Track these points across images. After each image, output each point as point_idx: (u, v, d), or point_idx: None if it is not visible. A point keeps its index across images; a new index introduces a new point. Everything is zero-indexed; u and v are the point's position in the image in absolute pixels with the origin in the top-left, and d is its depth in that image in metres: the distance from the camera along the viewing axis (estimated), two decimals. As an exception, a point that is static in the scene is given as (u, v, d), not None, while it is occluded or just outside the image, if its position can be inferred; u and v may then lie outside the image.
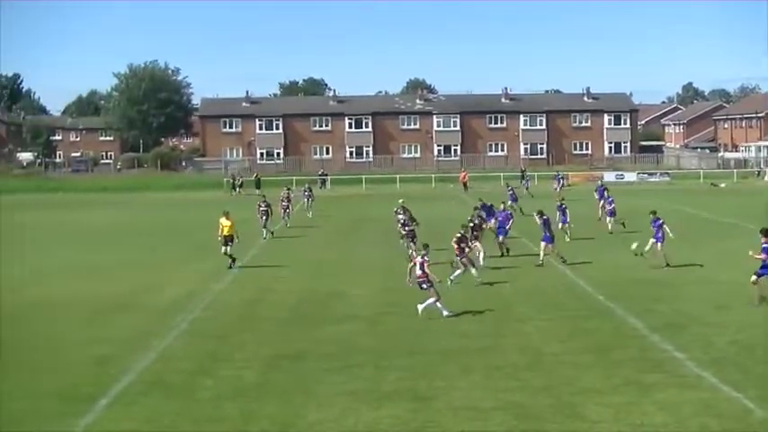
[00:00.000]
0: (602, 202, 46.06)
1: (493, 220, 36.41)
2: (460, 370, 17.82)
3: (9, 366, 18.94)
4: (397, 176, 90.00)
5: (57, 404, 16.16)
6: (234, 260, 32.49)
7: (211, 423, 15.01)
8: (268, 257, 35.62)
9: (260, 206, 43.14)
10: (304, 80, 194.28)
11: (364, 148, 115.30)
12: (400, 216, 36.49)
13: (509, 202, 43.66)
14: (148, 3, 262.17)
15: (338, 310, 24.41)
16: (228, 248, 32.60)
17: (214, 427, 14.87)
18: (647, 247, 30.89)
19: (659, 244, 30.39)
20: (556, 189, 65.38)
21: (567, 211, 38.76)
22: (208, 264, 33.37)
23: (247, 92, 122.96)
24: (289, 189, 52.36)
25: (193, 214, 57.73)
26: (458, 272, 27.49)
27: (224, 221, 33.04)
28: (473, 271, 27.72)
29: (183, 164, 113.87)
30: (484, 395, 16.13)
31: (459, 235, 28.05)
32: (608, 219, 42.12)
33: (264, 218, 42.55)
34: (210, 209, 50.88)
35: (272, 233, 42.37)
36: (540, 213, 32.34)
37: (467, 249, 27.94)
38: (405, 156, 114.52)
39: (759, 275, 22.91)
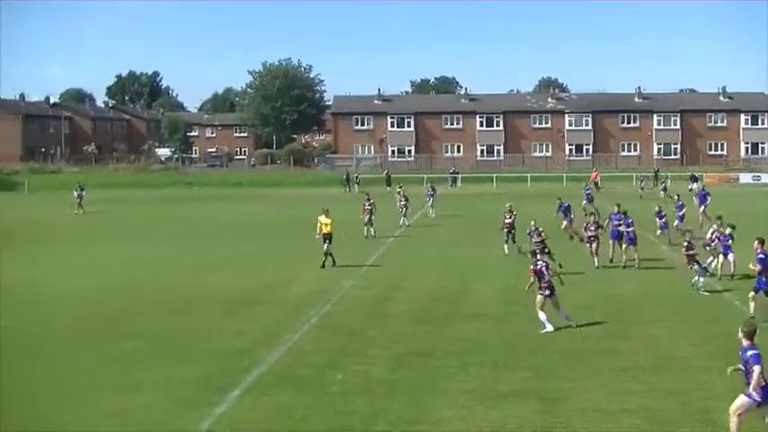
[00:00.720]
0: (702, 207, 44.44)
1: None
2: (586, 371, 17.68)
3: (150, 356, 19.68)
4: (528, 175, 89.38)
5: (193, 392, 16.71)
6: (333, 260, 32.51)
7: (340, 416, 15.28)
8: (397, 255, 35.94)
9: (365, 205, 42.79)
10: (436, 78, 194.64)
11: (495, 147, 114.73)
12: (507, 220, 36.12)
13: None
14: (282, 3, 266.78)
15: (466, 309, 24.48)
16: (327, 246, 32.54)
17: (343, 420, 15.13)
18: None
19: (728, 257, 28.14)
20: (692, 189, 63.94)
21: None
22: (339, 258, 33.86)
23: (379, 89, 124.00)
24: (401, 186, 52.67)
25: (338, 209, 58.34)
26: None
27: (323, 219, 33.05)
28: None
29: (316, 160, 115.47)
30: (611, 397, 15.98)
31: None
32: (675, 223, 40.10)
33: (368, 216, 42.25)
34: (341, 205, 51.51)
35: (375, 233, 42.04)
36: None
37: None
38: (536, 154, 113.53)
39: (757, 290, 21.82)
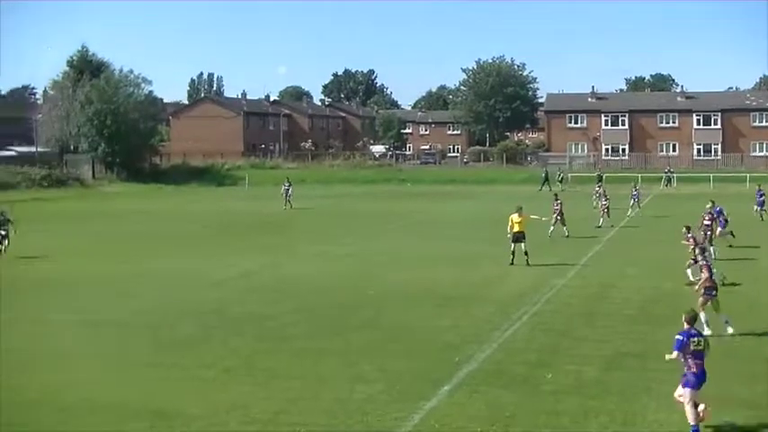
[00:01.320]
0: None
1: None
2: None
3: (370, 347, 20.12)
4: (747, 175, 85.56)
5: (406, 386, 16.94)
6: (527, 260, 31.94)
7: (550, 416, 15.14)
8: (609, 255, 35.26)
9: (554, 205, 41.72)
10: (651, 76, 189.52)
11: (712, 146, 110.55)
12: (706, 222, 34.70)
13: None
14: (496, 2, 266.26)
15: (684, 310, 23.66)
16: (522, 245, 32.10)
17: (552, 419, 14.99)
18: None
19: None
20: None
21: None
22: (550, 258, 33.53)
23: (593, 87, 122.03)
24: (599, 184, 51.35)
25: (536, 207, 57.96)
26: None
27: (515, 218, 32.58)
28: None
29: (528, 158, 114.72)
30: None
31: None
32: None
33: (558, 216, 41.19)
34: (543, 203, 50.90)
35: (567, 234, 41.05)
36: None
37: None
38: (756, 154, 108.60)
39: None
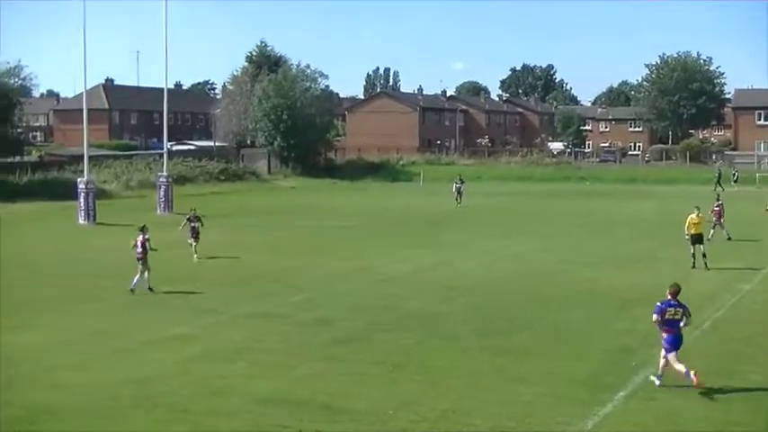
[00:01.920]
0: None
1: None
2: None
3: (536, 349, 20.00)
4: None
5: (576, 390, 16.78)
6: (706, 263, 30.85)
7: (726, 425, 14.77)
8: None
9: (713, 206, 39.87)
10: None
11: None
12: None
13: None
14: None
15: None
16: (701, 247, 30.98)
17: (727, 427, 14.64)
18: None
19: None
20: None
21: None
22: (735, 261, 32.44)
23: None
24: None
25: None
26: None
27: (693, 218, 31.49)
28: None
29: (713, 157, 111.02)
30: None
31: None
32: None
33: (717, 218, 39.44)
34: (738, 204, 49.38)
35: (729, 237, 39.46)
36: None
37: None
38: None
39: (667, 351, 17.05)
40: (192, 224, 34.70)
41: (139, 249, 27.19)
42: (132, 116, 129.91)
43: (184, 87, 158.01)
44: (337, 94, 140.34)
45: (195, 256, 33.47)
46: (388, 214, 55.09)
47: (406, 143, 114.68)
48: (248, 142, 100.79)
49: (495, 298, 26.25)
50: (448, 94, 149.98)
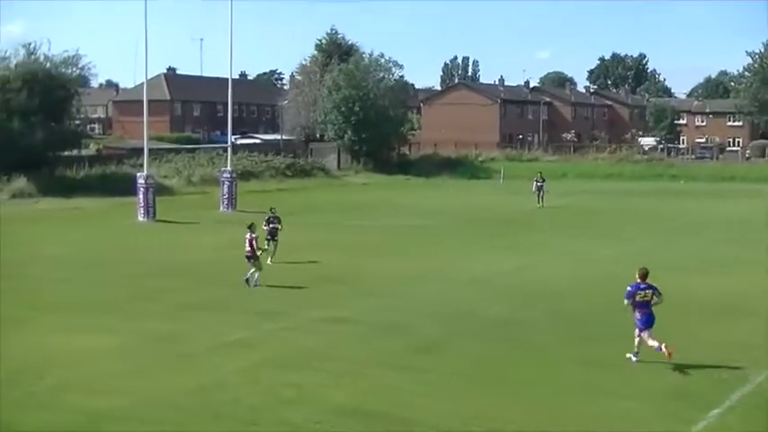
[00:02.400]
0: None
1: None
2: None
3: (622, 359, 19.91)
4: None
5: (669, 404, 16.72)
6: None
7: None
8: None
9: None
10: None
11: None
12: None
13: None
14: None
15: None
16: None
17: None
18: None
19: None
20: None
21: None
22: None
23: None
24: None
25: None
26: None
27: None
28: None
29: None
30: None
31: None
32: None
33: None
34: None
35: None
36: None
37: None
38: None
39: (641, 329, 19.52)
40: (272, 225, 34.47)
41: (248, 248, 28.63)
42: (195, 107, 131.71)
43: (250, 77, 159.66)
44: (412, 84, 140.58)
45: (270, 259, 33.26)
46: (466, 213, 55.07)
47: (486, 138, 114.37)
48: (317, 136, 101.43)
49: (580, 304, 26.16)
50: (531, 85, 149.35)
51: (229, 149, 64.49)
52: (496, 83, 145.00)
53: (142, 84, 59.42)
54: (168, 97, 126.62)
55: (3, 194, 61.79)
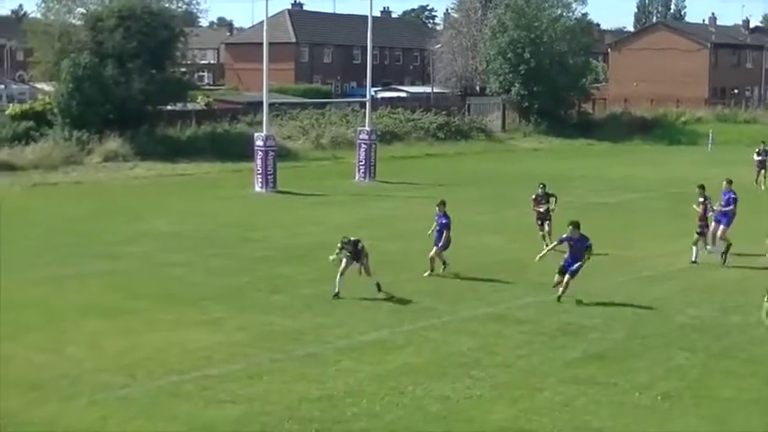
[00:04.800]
0: None
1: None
2: None
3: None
4: None
5: None
6: None
7: None
8: None
9: None
10: None
11: None
12: None
13: None
14: None
15: None
16: None
17: None
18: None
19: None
20: None
21: None
22: None
23: None
24: None
25: None
26: None
27: None
28: None
29: None
30: None
31: None
32: None
33: None
34: None
35: None
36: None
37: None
38: None
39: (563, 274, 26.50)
40: (541, 206, 34.61)
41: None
42: (325, 53, 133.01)
43: (394, 15, 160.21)
44: (598, 25, 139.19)
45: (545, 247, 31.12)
46: (664, 188, 54.37)
47: (691, 92, 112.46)
48: (477, 89, 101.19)
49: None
50: (752, 24, 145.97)
51: (368, 105, 64.37)
52: (706, 22, 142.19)
53: (261, 23, 60.21)
54: (293, 39, 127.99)
55: (94, 156, 62.64)
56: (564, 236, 26.66)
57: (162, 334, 22.64)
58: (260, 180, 52.52)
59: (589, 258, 26.29)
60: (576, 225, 26.37)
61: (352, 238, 26.36)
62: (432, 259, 29.58)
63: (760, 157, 58.01)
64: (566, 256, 26.52)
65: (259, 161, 52.69)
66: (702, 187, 32.95)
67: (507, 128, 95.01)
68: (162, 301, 26.00)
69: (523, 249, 33.79)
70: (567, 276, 26.09)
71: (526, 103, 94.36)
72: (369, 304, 25.77)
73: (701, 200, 32.59)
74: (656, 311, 25.19)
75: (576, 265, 26.16)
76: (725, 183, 34.45)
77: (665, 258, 32.59)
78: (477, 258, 32.29)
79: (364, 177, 58.42)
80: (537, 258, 27.48)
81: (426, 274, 29.43)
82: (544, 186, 34.98)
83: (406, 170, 61.01)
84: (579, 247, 26.20)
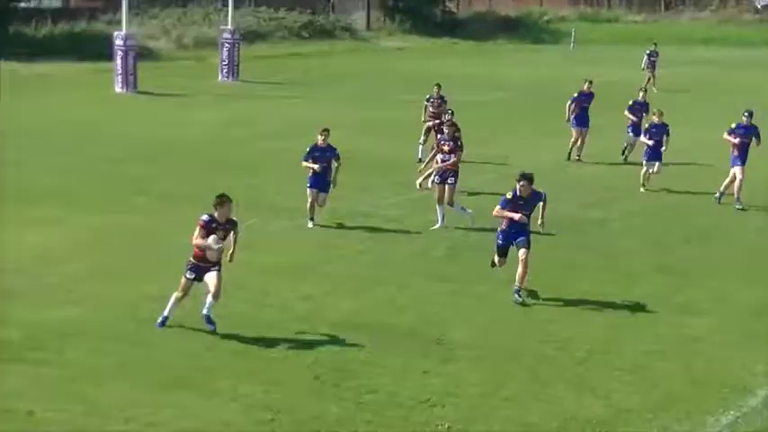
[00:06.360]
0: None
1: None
2: None
3: (700, 269, 20.17)
4: None
5: (750, 322, 17.46)
6: None
7: None
8: None
9: None
10: None
11: None
12: None
13: None
14: None
15: None
16: None
17: None
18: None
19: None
20: None
21: None
22: None
23: None
24: None
25: None
26: None
27: None
28: None
29: None
30: None
31: None
32: None
33: None
34: None
35: None
36: None
37: None
38: None
39: None
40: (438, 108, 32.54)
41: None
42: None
43: None
44: None
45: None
46: (527, 88, 54.91)
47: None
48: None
49: (664, 204, 26.40)
50: None
51: (230, 4, 63.78)
52: None
53: None
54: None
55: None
56: (508, 195, 19.01)
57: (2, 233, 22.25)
58: (120, 81, 51.48)
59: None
60: (528, 179, 18.85)
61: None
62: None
63: (652, 59, 58.33)
64: (502, 225, 19.27)
65: (119, 61, 51.58)
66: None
67: (372, 27, 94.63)
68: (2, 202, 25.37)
69: (392, 148, 33.99)
70: (521, 253, 18.94)
71: (391, 2, 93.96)
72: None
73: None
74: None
75: (525, 235, 19.13)
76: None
77: (531, 156, 32.89)
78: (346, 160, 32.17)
79: (228, 77, 57.99)
80: (418, 185, 27.10)
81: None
82: (439, 87, 33.44)
83: (271, 70, 60.61)
84: (529, 209, 19.12)
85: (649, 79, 55.33)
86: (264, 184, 28.44)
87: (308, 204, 23.82)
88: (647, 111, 32.43)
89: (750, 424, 13.68)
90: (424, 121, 32.74)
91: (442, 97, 33.03)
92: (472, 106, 45.71)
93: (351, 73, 62.86)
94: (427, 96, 33.27)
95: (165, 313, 16.53)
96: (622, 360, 15.79)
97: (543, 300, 18.65)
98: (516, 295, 18.56)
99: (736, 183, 26.61)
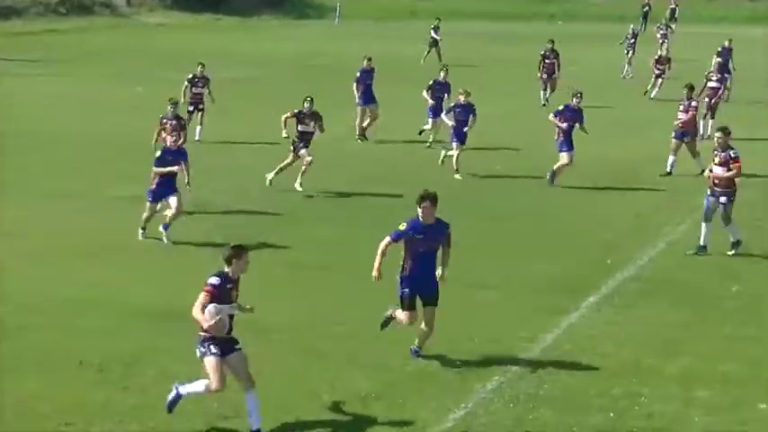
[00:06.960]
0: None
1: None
2: None
3: (505, 245, 20.67)
4: None
5: (540, 295, 17.64)
6: None
7: (730, 342, 15.56)
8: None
9: None
10: None
11: None
12: None
13: None
14: None
15: None
16: None
17: (726, 344, 15.42)
18: None
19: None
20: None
21: None
22: None
23: None
24: None
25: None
26: None
27: None
28: None
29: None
30: None
31: None
32: None
33: None
34: None
35: None
36: None
37: None
38: None
39: None
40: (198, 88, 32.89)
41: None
42: None
43: None
44: None
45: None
46: (291, 63, 54.68)
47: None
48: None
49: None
50: None
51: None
52: None
53: None
54: None
55: None
56: (404, 226, 14.87)
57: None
58: None
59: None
60: (432, 199, 14.62)
61: None
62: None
63: (436, 36, 58.32)
64: (403, 263, 15.05)
65: None
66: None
67: (132, 3, 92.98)
68: None
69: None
70: (427, 309, 14.98)
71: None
72: None
73: None
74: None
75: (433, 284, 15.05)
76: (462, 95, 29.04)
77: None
78: (115, 141, 31.55)
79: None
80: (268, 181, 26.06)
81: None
82: (203, 66, 33.55)
83: (26, 47, 58.89)
84: (433, 244, 14.99)
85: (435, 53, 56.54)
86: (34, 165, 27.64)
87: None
88: (448, 91, 32.07)
89: (514, 388, 13.90)
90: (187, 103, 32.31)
91: (205, 77, 32.90)
92: (235, 82, 45.44)
93: (111, 50, 61.42)
94: (190, 76, 32.95)
95: None
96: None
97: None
98: (415, 355, 15.12)
99: (564, 169, 26.11)
